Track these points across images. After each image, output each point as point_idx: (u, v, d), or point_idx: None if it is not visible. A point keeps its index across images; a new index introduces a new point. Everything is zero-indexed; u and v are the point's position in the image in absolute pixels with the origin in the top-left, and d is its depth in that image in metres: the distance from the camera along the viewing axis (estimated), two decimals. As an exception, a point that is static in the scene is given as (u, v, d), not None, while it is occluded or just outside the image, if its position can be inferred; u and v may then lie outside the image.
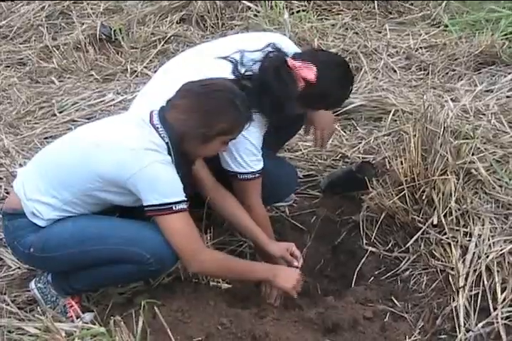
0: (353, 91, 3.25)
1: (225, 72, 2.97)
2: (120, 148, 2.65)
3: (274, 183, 3.20)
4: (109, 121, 2.94)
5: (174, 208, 2.64)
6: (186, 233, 2.71)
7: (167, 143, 2.69)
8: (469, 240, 3.15)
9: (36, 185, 2.77)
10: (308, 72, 2.95)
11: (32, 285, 2.99)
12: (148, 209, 2.66)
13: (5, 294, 3.03)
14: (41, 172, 2.79)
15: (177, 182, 2.67)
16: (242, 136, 2.92)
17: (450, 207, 3.24)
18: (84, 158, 2.69)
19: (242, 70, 2.99)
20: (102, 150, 2.67)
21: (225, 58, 3.02)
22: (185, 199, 2.68)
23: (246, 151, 3.02)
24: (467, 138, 3.57)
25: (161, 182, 2.63)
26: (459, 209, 3.26)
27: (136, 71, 5.25)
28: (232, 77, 2.96)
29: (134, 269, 2.74)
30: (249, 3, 5.91)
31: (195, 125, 2.68)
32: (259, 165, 3.08)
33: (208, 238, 3.09)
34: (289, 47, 3.16)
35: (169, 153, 2.70)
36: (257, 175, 3.08)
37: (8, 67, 5.54)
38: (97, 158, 2.66)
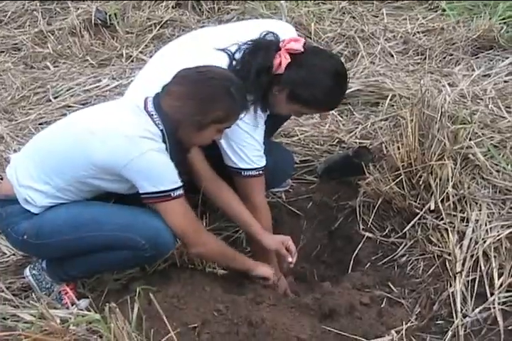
0: (346, 89, 3.16)
1: (221, 65, 2.93)
2: (115, 136, 2.62)
3: (270, 168, 3.17)
4: (103, 108, 2.91)
5: (172, 195, 2.65)
6: (188, 216, 2.74)
7: (162, 131, 2.68)
8: (466, 225, 3.14)
9: (28, 172, 2.75)
10: (296, 44, 2.91)
11: (26, 272, 2.98)
12: (145, 196, 2.66)
13: (-1, 281, 3.02)
14: (34, 159, 2.77)
15: (172, 169, 2.67)
16: (244, 132, 2.93)
17: (447, 193, 3.23)
18: (77, 145, 2.67)
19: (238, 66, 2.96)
20: (97, 137, 2.64)
21: (223, 50, 2.98)
22: (181, 184, 2.68)
23: (249, 147, 3.00)
24: (464, 123, 3.55)
25: (156, 169, 2.63)
26: (456, 195, 3.25)
27: (131, 56, 5.21)
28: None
29: (129, 255, 2.73)
30: (245, -12, 5.86)
31: (190, 112, 2.66)
32: (262, 162, 3.06)
33: (204, 224, 3.07)
34: (289, 33, 3.10)
35: (164, 141, 2.68)
36: (261, 171, 3.06)
37: (3, 52, 5.49)
38: (91, 146, 2.64)
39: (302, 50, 2.91)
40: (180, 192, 2.68)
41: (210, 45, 3.01)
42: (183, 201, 2.70)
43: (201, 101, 2.65)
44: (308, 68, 2.91)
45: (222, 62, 2.94)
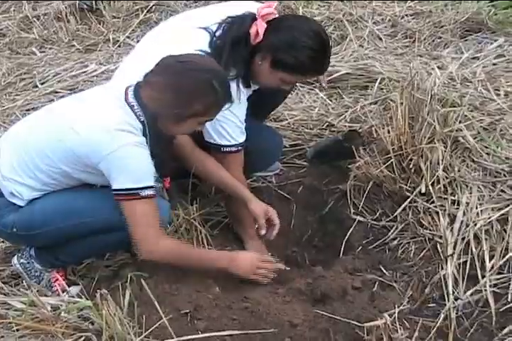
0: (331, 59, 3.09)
1: (202, 42, 2.91)
2: (94, 130, 2.56)
3: (258, 150, 3.17)
4: (84, 99, 2.77)
5: (141, 194, 2.58)
6: (147, 221, 2.63)
7: (143, 122, 2.62)
8: (457, 208, 3.14)
9: (12, 165, 2.71)
10: (268, 8, 2.90)
11: (14, 260, 2.96)
12: (115, 192, 2.60)
13: (-11, 268, 3.01)
14: (16, 152, 2.71)
15: (147, 166, 2.61)
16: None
17: (438, 176, 3.23)
18: (57, 140, 2.62)
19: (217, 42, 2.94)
20: (76, 132, 2.58)
21: (205, 29, 2.96)
22: (154, 185, 2.62)
23: (229, 123, 2.97)
24: (454, 106, 3.53)
25: (130, 166, 2.57)
26: (446, 178, 3.25)
27: (118, 41, 5.18)
28: (208, 49, 2.91)
29: (122, 236, 2.68)
30: (233, -29, 5.81)
31: (168, 105, 2.59)
32: (242, 138, 3.04)
33: (194, 209, 3.06)
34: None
35: (145, 132, 2.62)
36: (240, 147, 3.04)
37: (-12, 38, 5.45)
38: (70, 142, 2.59)
39: (275, 12, 2.90)
40: (150, 192, 2.59)
41: (193, 25, 2.98)
42: (148, 203, 2.60)
43: (180, 94, 2.58)
44: (286, 31, 2.89)
45: (204, 40, 2.92)
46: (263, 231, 3.04)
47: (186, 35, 2.98)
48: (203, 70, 2.60)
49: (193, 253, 2.82)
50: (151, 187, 2.61)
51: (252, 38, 2.88)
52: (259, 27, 2.87)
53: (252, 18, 2.91)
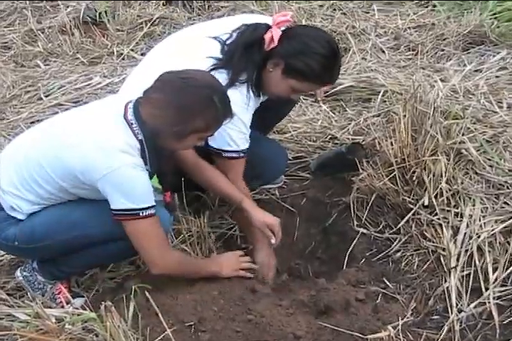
0: (340, 69, 3.10)
1: (213, 50, 2.94)
2: (92, 149, 2.55)
3: (263, 163, 3.18)
4: (84, 115, 2.75)
5: (141, 214, 2.59)
6: (152, 238, 2.66)
7: (140, 140, 2.61)
8: (460, 220, 3.14)
9: (11, 179, 2.72)
10: (284, 16, 2.94)
11: (18, 273, 2.97)
12: (114, 212, 2.61)
13: (-6, 280, 3.01)
14: (15, 168, 2.72)
15: (146, 187, 2.61)
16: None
17: (441, 188, 3.23)
18: (55, 157, 2.62)
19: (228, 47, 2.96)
20: (74, 151, 2.58)
21: (214, 38, 2.98)
22: (154, 204, 2.62)
23: (234, 128, 2.96)
24: (457, 119, 3.55)
25: (128, 187, 2.57)
26: (449, 190, 3.25)
27: (122, 54, 5.20)
28: (220, 55, 2.93)
29: (123, 246, 2.71)
30: (236, -16, 5.86)
31: (169, 122, 2.57)
32: (245, 145, 3.03)
33: (200, 222, 3.07)
34: None
35: (143, 150, 2.62)
36: (242, 154, 3.04)
37: (-7, 50, 5.48)
38: (68, 160, 2.59)
39: (290, 20, 2.95)
40: (151, 211, 2.61)
41: (202, 35, 3.01)
42: (152, 221, 2.63)
43: (181, 110, 2.56)
44: (299, 38, 2.92)
45: (215, 48, 2.94)
46: (273, 241, 3.04)
47: (196, 44, 3.01)
48: (203, 86, 2.58)
49: (192, 263, 2.90)
50: (151, 206, 2.61)
51: (267, 44, 2.90)
52: (275, 33, 2.89)
53: (266, 25, 2.94)
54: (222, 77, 2.87)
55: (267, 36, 2.89)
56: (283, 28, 2.95)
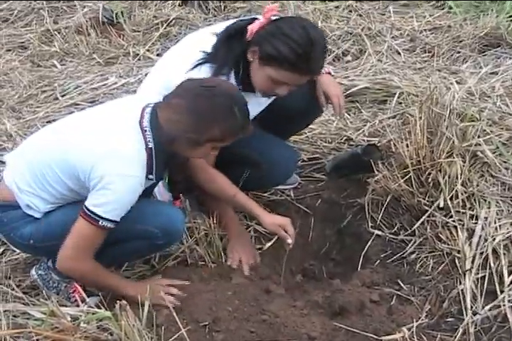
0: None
1: (208, 44, 2.91)
2: (98, 153, 2.56)
3: (269, 165, 3.17)
4: (99, 118, 2.74)
5: (100, 223, 2.58)
6: (82, 243, 2.64)
7: (150, 149, 2.61)
8: (476, 223, 3.14)
9: (26, 179, 2.72)
10: (270, 6, 2.89)
11: (33, 271, 2.98)
12: (83, 208, 2.60)
13: (9, 278, 3.02)
14: (29, 167, 2.72)
15: (126, 204, 2.59)
16: None
17: (456, 190, 3.23)
18: (64, 159, 2.62)
19: None
20: (81, 153, 2.59)
21: (216, 34, 2.95)
22: (117, 221, 2.60)
23: None
24: (473, 121, 3.54)
25: (111, 195, 2.55)
26: (465, 192, 3.24)
27: (138, 54, 5.22)
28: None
29: (142, 245, 2.73)
30: (251, -14, 5.86)
31: (186, 128, 2.56)
32: None
33: (214, 222, 3.07)
34: None
35: (150, 159, 2.62)
36: None
37: (10, 50, 5.51)
38: (74, 161, 2.59)
39: (276, 8, 2.87)
40: (110, 226, 2.59)
41: (208, 32, 3.00)
42: (102, 234, 2.61)
43: (200, 118, 2.55)
44: (274, 25, 2.84)
45: (211, 41, 2.92)
46: (289, 241, 3.02)
47: (198, 40, 3.01)
48: (225, 96, 2.57)
49: (105, 280, 2.81)
50: (115, 222, 2.60)
51: (248, 35, 2.86)
52: (255, 24, 2.85)
53: (254, 18, 2.92)
54: (205, 71, 2.86)
55: (249, 27, 2.86)
56: (272, 17, 2.88)
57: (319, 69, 2.99)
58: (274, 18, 2.90)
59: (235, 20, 3.07)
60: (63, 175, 2.64)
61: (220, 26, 3.02)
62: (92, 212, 2.57)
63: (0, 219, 2.81)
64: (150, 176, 2.64)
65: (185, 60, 2.88)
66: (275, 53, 2.79)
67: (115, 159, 2.55)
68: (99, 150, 2.56)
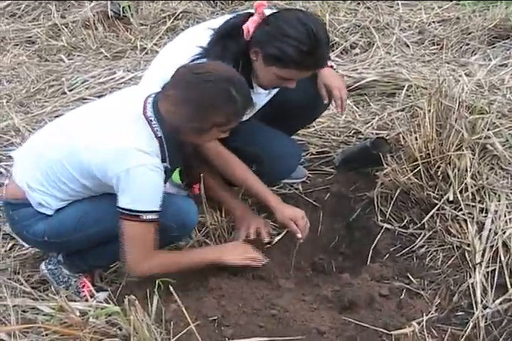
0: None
1: (205, 39, 2.90)
2: (109, 148, 2.55)
3: (272, 161, 3.16)
4: (103, 112, 2.72)
5: (142, 217, 2.58)
6: (137, 244, 2.65)
7: (160, 138, 2.61)
8: (485, 216, 3.13)
9: (36, 177, 2.72)
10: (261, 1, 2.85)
11: (42, 266, 2.99)
12: (119, 210, 2.60)
13: (18, 273, 3.04)
14: (39, 165, 2.72)
15: (156, 191, 2.59)
16: None
17: (466, 183, 3.21)
18: (74, 155, 2.61)
19: None
20: (92, 149, 2.58)
21: (213, 29, 2.93)
22: (158, 209, 2.60)
23: None
24: (482, 113, 3.52)
25: (139, 189, 2.56)
26: (474, 185, 3.23)
27: (145, 48, 5.22)
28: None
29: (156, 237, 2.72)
30: (259, -22, 5.83)
31: (187, 119, 2.55)
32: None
33: (223, 214, 3.06)
34: None
35: (162, 148, 2.62)
36: None
37: (17, 45, 5.52)
38: (87, 158, 2.58)
39: (264, 3, 2.83)
40: (153, 217, 2.59)
41: (206, 27, 2.97)
42: (150, 227, 2.62)
43: (199, 107, 2.52)
44: (274, 22, 2.81)
45: (208, 37, 2.90)
46: (299, 235, 3.05)
47: (195, 35, 2.99)
48: (219, 80, 2.52)
49: (184, 260, 2.83)
50: (156, 211, 2.60)
51: (245, 34, 2.83)
52: (251, 22, 2.82)
53: (249, 14, 2.88)
54: None
55: (245, 26, 2.83)
56: (264, 12, 2.85)
57: (326, 61, 2.98)
58: (266, 11, 2.87)
59: (232, 15, 3.03)
60: (76, 172, 2.64)
61: (219, 21, 3.00)
62: (129, 210, 2.58)
63: (11, 217, 2.82)
64: (164, 164, 2.64)
65: (182, 54, 2.86)
66: (280, 54, 2.78)
67: (128, 153, 2.54)
68: (111, 147, 2.55)
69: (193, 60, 2.83)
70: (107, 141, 2.57)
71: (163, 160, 2.64)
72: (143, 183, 2.56)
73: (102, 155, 2.56)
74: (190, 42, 2.91)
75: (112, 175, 2.55)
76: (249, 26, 2.82)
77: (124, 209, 2.58)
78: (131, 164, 2.53)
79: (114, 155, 2.54)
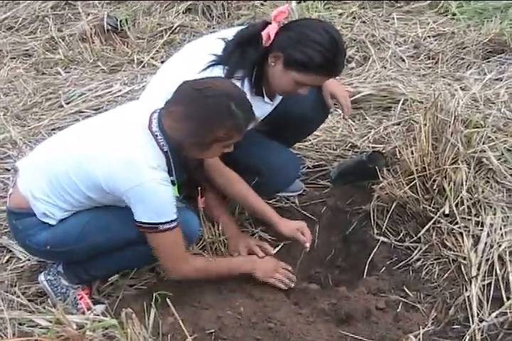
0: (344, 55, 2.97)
1: (217, 48, 2.93)
2: (117, 163, 2.57)
3: (270, 172, 3.18)
4: (109, 126, 2.74)
5: (160, 228, 2.62)
6: (167, 250, 2.72)
7: (166, 152, 2.64)
8: (481, 229, 3.14)
9: (41, 187, 2.73)
10: (280, 8, 2.90)
11: (41, 277, 2.98)
12: (137, 224, 2.64)
13: (15, 286, 3.03)
14: (44, 175, 2.73)
15: (168, 202, 2.62)
16: None
17: (461, 197, 3.22)
18: (82, 168, 2.63)
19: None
20: (99, 163, 2.60)
21: (222, 39, 2.97)
22: (174, 218, 2.64)
23: None
24: (478, 127, 3.54)
25: (152, 202, 2.59)
26: (470, 199, 3.24)
27: (142, 62, 5.22)
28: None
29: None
30: (255, -8, 5.88)
31: (189, 134, 2.58)
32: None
33: (214, 230, 3.07)
34: None
35: (169, 163, 2.65)
36: None
37: (14, 58, 5.51)
38: (93, 172, 2.60)
39: (285, 11, 2.89)
40: (172, 225, 2.63)
41: (213, 38, 3.02)
42: (175, 232, 2.66)
43: (200, 123, 2.55)
44: (296, 29, 2.88)
45: (219, 46, 2.94)
46: (308, 244, 3.11)
47: (204, 45, 3.03)
48: (219, 95, 2.54)
49: (218, 267, 2.90)
50: (173, 220, 2.64)
51: (264, 40, 2.86)
52: (271, 28, 2.86)
53: (265, 22, 2.92)
54: (217, 72, 2.87)
55: (264, 32, 2.86)
56: (283, 20, 2.91)
57: (342, 70, 3.04)
58: (284, 20, 2.93)
59: (241, 27, 3.07)
60: (82, 184, 2.65)
61: (224, 33, 3.03)
62: (147, 224, 2.62)
63: (15, 226, 2.83)
64: (171, 178, 2.67)
65: (196, 62, 2.89)
66: (305, 59, 2.83)
67: (138, 167, 2.56)
68: (117, 163, 2.57)
69: (209, 66, 2.87)
70: (115, 154, 2.58)
71: (169, 174, 2.66)
72: (154, 197, 2.58)
73: (111, 170, 2.57)
74: (201, 51, 2.95)
75: (123, 190, 2.57)
76: (270, 33, 2.86)
77: (142, 222, 2.62)
78: (141, 180, 2.55)
79: (124, 171, 2.56)
